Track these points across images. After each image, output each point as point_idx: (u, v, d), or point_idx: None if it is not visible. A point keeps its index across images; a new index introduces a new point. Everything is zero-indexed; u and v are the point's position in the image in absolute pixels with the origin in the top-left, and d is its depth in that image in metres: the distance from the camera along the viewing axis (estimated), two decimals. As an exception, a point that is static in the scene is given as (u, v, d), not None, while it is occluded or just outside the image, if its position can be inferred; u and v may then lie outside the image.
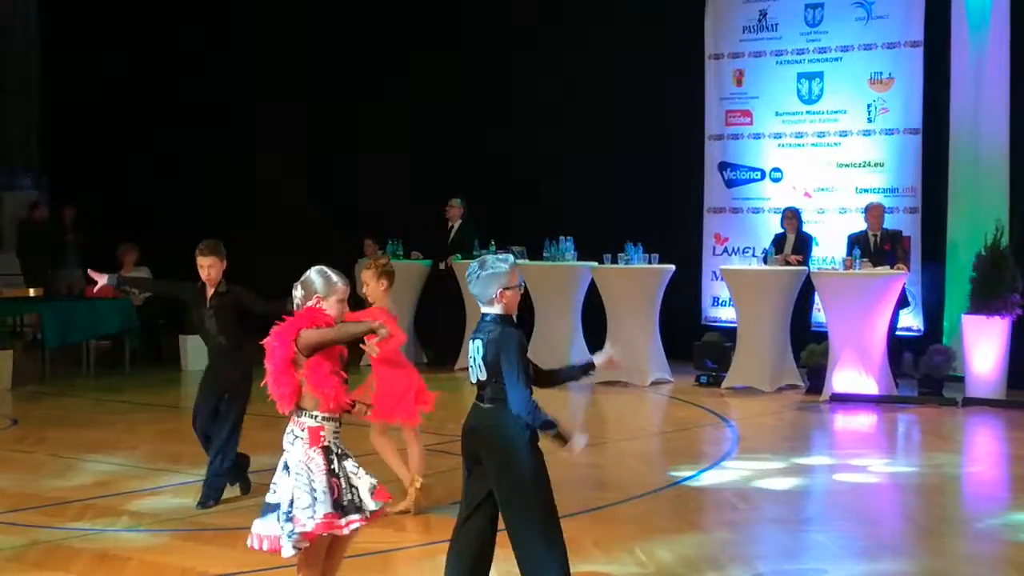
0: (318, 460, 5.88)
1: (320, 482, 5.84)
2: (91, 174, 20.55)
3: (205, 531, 8.35)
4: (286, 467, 5.93)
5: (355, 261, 18.04)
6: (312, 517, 5.80)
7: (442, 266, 17.02)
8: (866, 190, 16.17)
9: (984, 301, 13.99)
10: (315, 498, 5.81)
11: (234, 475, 9.32)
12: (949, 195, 15.58)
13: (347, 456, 6.05)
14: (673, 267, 15.74)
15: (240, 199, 20.19)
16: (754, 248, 16.56)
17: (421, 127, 19.06)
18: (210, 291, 9.13)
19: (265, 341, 5.94)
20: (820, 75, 16.65)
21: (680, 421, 13.24)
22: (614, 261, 15.68)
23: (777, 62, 16.96)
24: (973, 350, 13.97)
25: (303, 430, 5.93)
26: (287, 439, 5.96)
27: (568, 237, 16.22)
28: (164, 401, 14.34)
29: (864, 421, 13.40)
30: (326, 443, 5.94)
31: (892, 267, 14.31)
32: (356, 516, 5.92)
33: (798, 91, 16.81)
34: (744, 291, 15.01)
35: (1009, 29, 15.16)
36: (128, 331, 16.78)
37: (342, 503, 5.87)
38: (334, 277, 6.05)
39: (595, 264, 15.89)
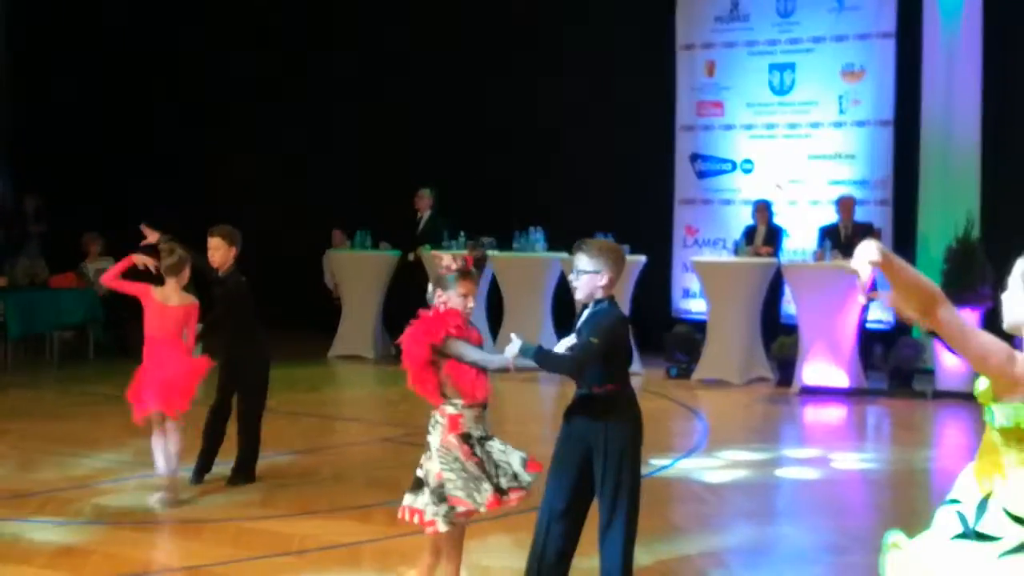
0: (457, 445, 6.18)
1: (472, 466, 6.15)
2: (57, 163, 20.34)
3: (168, 524, 8.26)
4: (429, 449, 6.28)
5: (323, 252, 18.00)
6: (476, 497, 6.13)
7: (411, 257, 16.92)
8: (837, 182, 16.16)
9: (954, 293, 13.96)
10: (476, 479, 6.14)
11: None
12: (920, 187, 15.59)
13: (490, 438, 6.32)
14: (644, 258, 15.69)
15: (211, 190, 20.05)
16: (725, 240, 16.54)
17: (391, 118, 18.97)
18: (219, 274, 9.24)
19: (401, 340, 6.37)
20: (792, 66, 16.63)
21: (650, 413, 13.07)
22: (584, 252, 15.58)
23: (749, 53, 16.93)
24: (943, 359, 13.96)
25: (444, 417, 6.27)
26: (430, 424, 6.34)
27: (538, 228, 16.16)
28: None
29: (834, 414, 13.38)
30: (465, 430, 6.23)
31: None
32: (516, 487, 6.22)
33: (770, 82, 16.79)
34: (715, 283, 14.97)
35: (981, 20, 15.18)
36: (92, 322, 16.63)
37: (498, 486, 6.17)
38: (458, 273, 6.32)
39: (565, 255, 15.81)
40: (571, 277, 6.06)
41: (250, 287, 9.34)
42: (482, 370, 6.20)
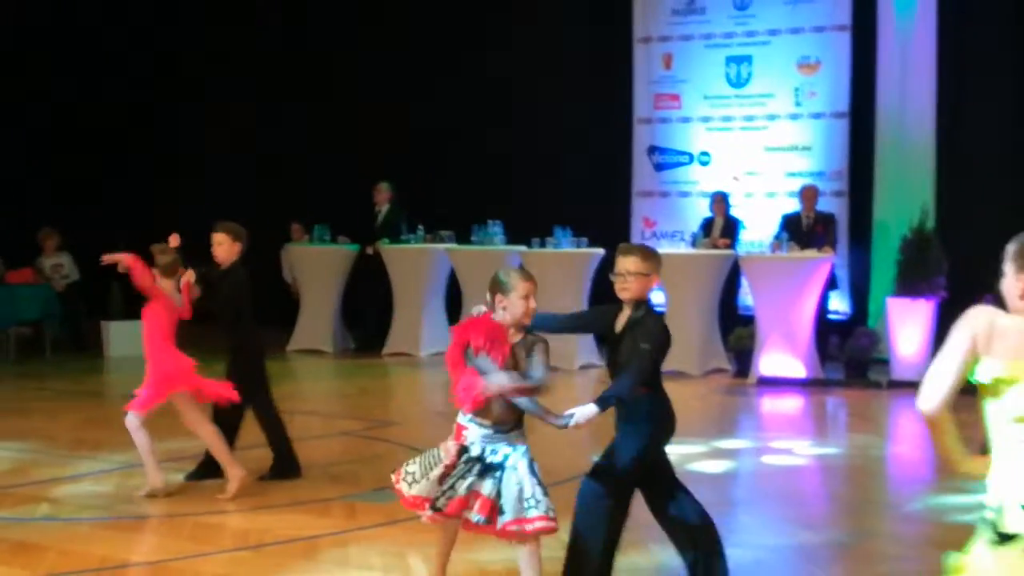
0: (449, 450, 6.05)
1: (437, 470, 6.01)
2: (8, 159, 20.21)
3: (125, 519, 8.22)
4: None
5: (282, 246, 17.95)
6: (407, 487, 6.06)
7: (369, 250, 16.90)
8: (794, 174, 16.24)
9: (909, 284, 14.08)
10: (428, 477, 6.02)
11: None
12: (875, 179, 15.70)
13: (495, 468, 5.97)
14: (602, 251, 15.69)
15: (165, 183, 19.97)
16: (683, 232, 16.58)
17: (350, 113, 18.93)
18: (222, 270, 9.30)
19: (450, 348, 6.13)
20: (748, 59, 16.69)
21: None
22: (543, 245, 15.63)
23: (706, 46, 16.99)
24: (898, 333, 14.06)
25: (456, 423, 6.14)
26: None
27: (497, 221, 16.15)
28: (85, 388, 14.14)
29: (791, 404, 13.46)
30: (465, 443, 6.04)
31: (819, 249, 14.37)
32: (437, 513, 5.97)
33: (727, 75, 16.85)
34: (672, 275, 14.94)
35: (936, 12, 15.28)
36: (49, 317, 16.54)
37: (437, 497, 5.94)
38: (514, 275, 6.06)
39: (524, 248, 15.84)
40: (618, 278, 6.28)
41: (251, 284, 9.36)
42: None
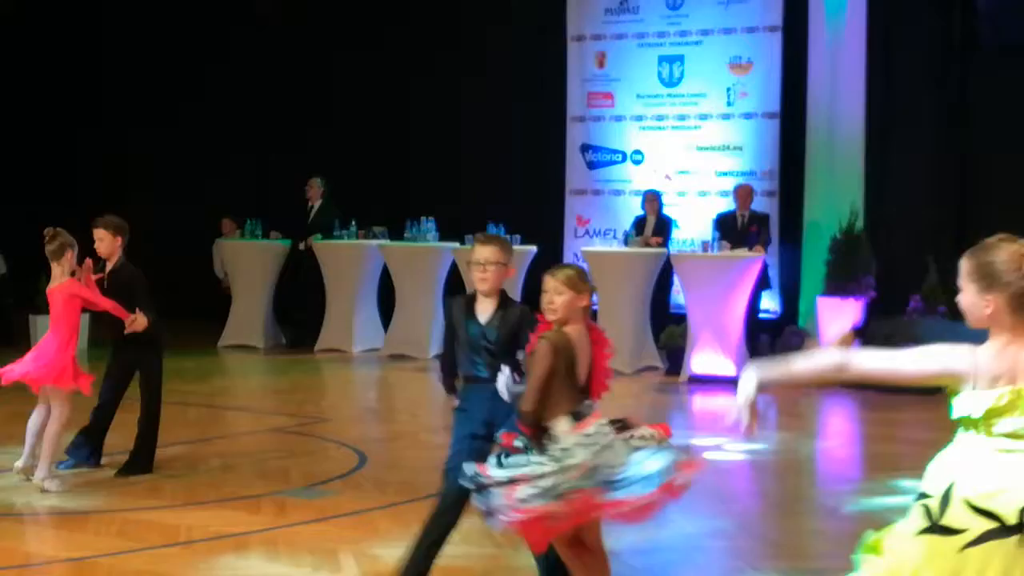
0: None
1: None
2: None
3: (51, 515, 8.13)
4: None
5: (213, 241, 17.83)
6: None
7: (301, 246, 16.82)
8: (725, 173, 16.35)
9: (839, 284, 14.22)
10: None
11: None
12: (806, 179, 15.83)
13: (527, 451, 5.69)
14: (535, 248, 15.74)
15: (100, 180, 19.80)
16: (615, 230, 16.63)
17: (282, 106, 18.86)
18: (108, 267, 9.15)
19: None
20: (681, 58, 16.78)
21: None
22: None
23: (639, 45, 17.06)
24: (828, 332, 14.18)
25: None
26: None
27: (430, 218, 16.13)
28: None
29: (722, 402, 13.50)
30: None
31: (751, 249, 14.47)
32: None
33: (659, 74, 16.92)
34: (605, 273, 15.01)
35: (865, 14, 15.43)
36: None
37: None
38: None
39: (457, 245, 15.83)
40: (477, 267, 6.13)
41: (145, 276, 9.24)
42: None
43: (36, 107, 20.03)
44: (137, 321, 8.87)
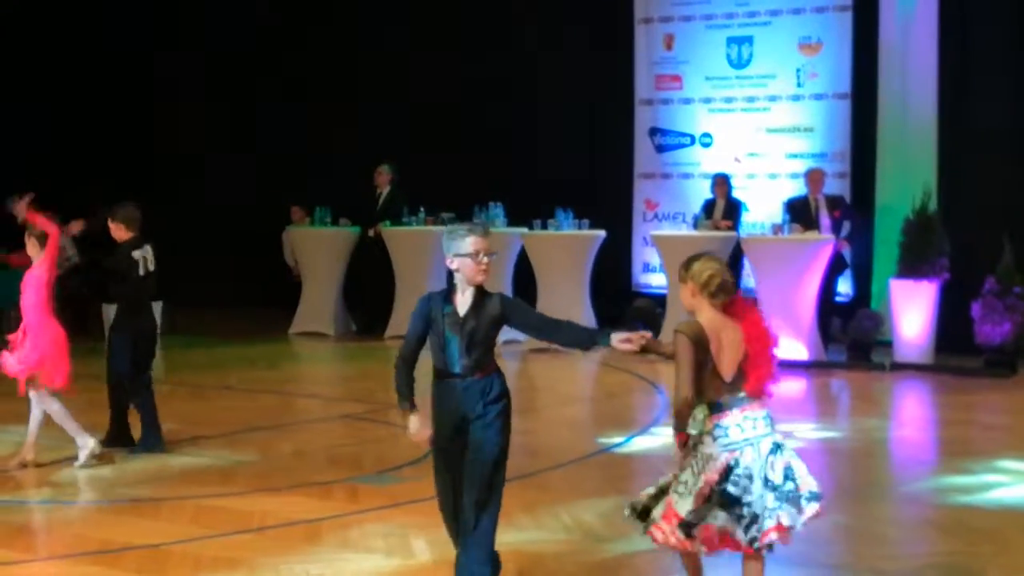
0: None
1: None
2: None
3: (123, 503, 8.20)
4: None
5: (283, 229, 17.92)
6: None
7: (371, 233, 16.86)
8: (795, 155, 16.19)
9: (912, 266, 14.05)
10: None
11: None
12: (877, 160, 15.62)
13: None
14: (604, 233, 15.70)
15: (168, 168, 19.97)
16: (684, 214, 16.54)
17: (351, 93, 18.91)
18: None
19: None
20: (750, 39, 16.62)
21: (610, 387, 13.20)
22: (544, 227, 15.61)
23: (707, 26, 16.91)
24: (901, 315, 14.03)
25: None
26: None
27: (498, 203, 16.11)
28: (87, 371, 14.08)
29: (794, 386, 13.41)
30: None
31: (838, 236, 14.40)
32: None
33: (728, 56, 16.78)
34: (674, 257, 14.93)
35: (938, -8, 15.21)
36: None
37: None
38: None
39: (525, 230, 15.81)
40: (483, 260, 5.95)
41: (139, 263, 9.57)
42: None
43: (97, 100, 20.17)
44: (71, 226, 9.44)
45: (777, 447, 5.71)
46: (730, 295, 5.76)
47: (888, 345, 14.31)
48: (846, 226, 14.84)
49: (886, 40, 15.51)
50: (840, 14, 15.97)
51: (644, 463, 9.48)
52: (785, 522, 5.58)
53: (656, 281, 16.89)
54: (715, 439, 5.63)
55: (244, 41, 19.82)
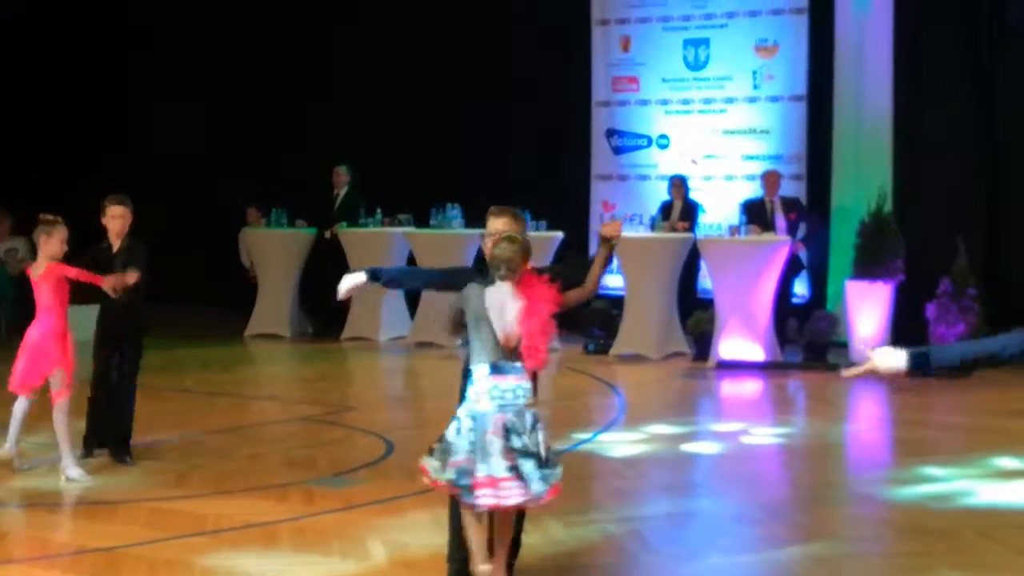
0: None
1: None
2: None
3: (81, 506, 8.14)
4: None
5: (239, 230, 17.83)
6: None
7: (327, 234, 16.81)
8: (752, 157, 16.26)
9: (867, 267, 14.13)
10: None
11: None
12: (833, 162, 15.71)
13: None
14: (561, 234, 15.72)
15: (127, 169, 19.84)
16: (641, 215, 16.56)
17: (307, 96, 18.84)
18: (116, 244, 9.20)
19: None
20: (706, 42, 16.68)
21: (568, 389, 13.21)
22: (502, 228, 15.57)
23: (664, 28, 16.97)
24: (857, 316, 14.10)
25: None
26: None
27: (455, 205, 16.09)
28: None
29: (750, 387, 13.48)
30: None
31: (794, 238, 14.46)
32: None
33: (684, 58, 16.83)
34: (631, 258, 14.99)
35: (892, -5, 15.31)
36: (3, 300, 16.38)
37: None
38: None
39: (483, 231, 15.73)
40: (491, 239, 6.33)
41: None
42: None
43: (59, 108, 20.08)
44: (127, 277, 8.91)
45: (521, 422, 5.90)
46: (512, 271, 6.05)
47: (844, 346, 14.38)
48: (802, 228, 14.91)
49: (842, 43, 15.60)
50: (796, 17, 16.05)
51: (603, 464, 9.49)
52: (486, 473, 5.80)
53: (613, 283, 16.88)
54: (491, 398, 5.88)
55: (195, 41, 19.73)
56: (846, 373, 5.28)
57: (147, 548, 7.05)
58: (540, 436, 5.91)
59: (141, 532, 7.40)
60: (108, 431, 9.29)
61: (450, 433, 5.94)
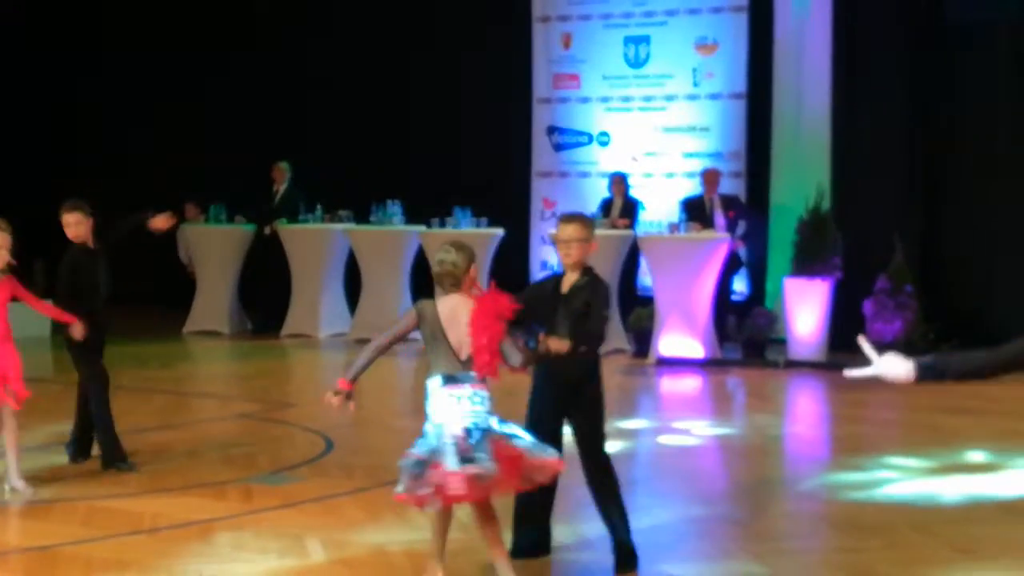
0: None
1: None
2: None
3: (16, 505, 8.04)
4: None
5: (177, 226, 17.66)
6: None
7: (267, 231, 16.72)
8: (692, 154, 16.32)
9: (806, 264, 14.23)
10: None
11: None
12: (772, 160, 15.80)
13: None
14: (502, 231, 15.72)
15: (63, 166, 19.66)
16: (582, 212, 16.55)
17: (246, 90, 18.73)
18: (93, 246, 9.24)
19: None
20: (647, 39, 16.72)
21: (507, 387, 13.16)
22: (443, 225, 15.59)
23: (604, 26, 16.99)
24: (795, 313, 14.20)
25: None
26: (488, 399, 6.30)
27: (396, 201, 16.06)
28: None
29: (689, 384, 13.54)
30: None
31: (733, 235, 14.53)
32: None
33: (625, 55, 16.87)
34: (572, 255, 14.97)
35: (831, -6, 15.41)
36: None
37: None
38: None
39: (424, 228, 15.77)
40: (562, 245, 6.65)
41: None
42: None
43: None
44: (77, 329, 8.82)
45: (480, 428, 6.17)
46: (456, 284, 6.29)
47: (782, 343, 14.48)
48: (741, 225, 14.98)
49: (781, 41, 15.70)
50: (736, 15, 16.12)
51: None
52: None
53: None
54: (448, 408, 6.14)
55: (140, 41, 19.60)
56: (850, 374, 5.16)
57: (83, 547, 6.99)
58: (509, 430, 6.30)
59: (78, 531, 7.33)
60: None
61: (413, 450, 6.01)
